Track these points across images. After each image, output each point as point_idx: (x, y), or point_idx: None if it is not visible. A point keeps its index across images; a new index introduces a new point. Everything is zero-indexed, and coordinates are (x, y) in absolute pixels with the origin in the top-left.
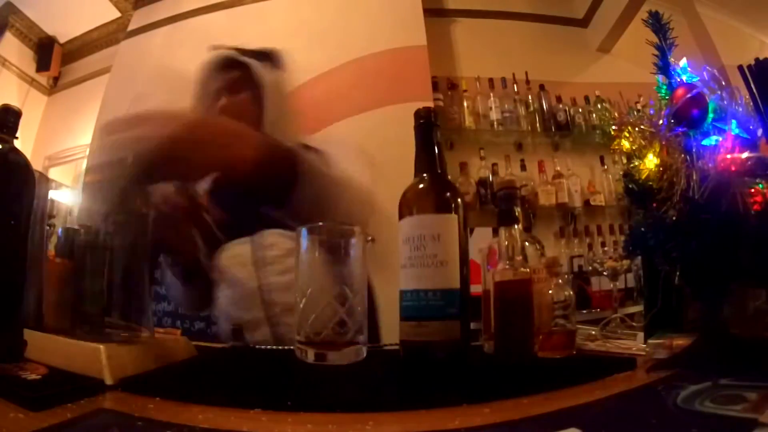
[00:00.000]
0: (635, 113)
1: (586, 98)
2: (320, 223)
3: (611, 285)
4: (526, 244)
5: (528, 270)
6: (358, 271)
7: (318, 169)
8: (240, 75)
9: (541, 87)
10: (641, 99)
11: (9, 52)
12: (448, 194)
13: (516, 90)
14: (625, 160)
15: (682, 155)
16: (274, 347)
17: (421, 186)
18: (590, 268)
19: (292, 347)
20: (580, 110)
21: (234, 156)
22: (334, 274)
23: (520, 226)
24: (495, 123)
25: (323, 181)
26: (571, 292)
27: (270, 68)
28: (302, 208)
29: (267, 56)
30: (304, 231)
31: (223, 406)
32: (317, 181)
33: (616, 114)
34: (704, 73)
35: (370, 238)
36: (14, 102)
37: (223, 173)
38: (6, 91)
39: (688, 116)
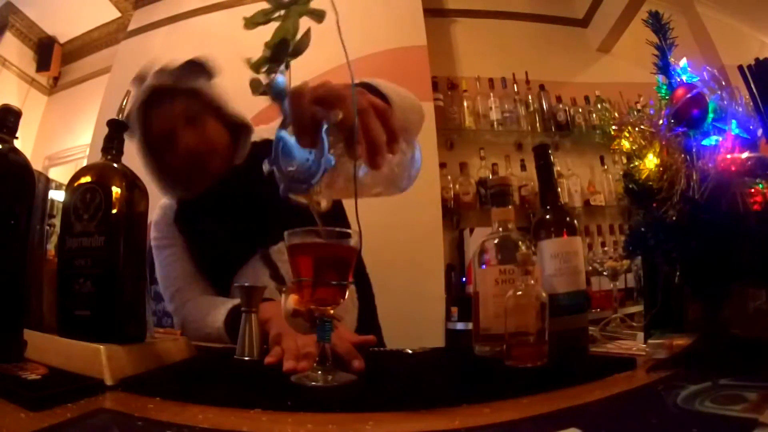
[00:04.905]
0: (635, 113)
1: (586, 98)
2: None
3: (611, 285)
4: (520, 242)
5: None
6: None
7: None
8: (190, 103)
9: (541, 87)
10: (641, 99)
11: (9, 52)
12: (575, 222)
13: (516, 90)
14: (625, 160)
15: (682, 155)
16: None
17: (547, 216)
18: (590, 268)
19: None
20: (580, 110)
21: None
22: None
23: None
24: (495, 123)
25: None
26: (545, 294)
27: (206, 80)
28: None
29: (200, 68)
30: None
31: (223, 406)
32: None
33: (616, 114)
34: (704, 73)
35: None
36: (14, 102)
37: None
38: (6, 91)
39: (688, 116)
